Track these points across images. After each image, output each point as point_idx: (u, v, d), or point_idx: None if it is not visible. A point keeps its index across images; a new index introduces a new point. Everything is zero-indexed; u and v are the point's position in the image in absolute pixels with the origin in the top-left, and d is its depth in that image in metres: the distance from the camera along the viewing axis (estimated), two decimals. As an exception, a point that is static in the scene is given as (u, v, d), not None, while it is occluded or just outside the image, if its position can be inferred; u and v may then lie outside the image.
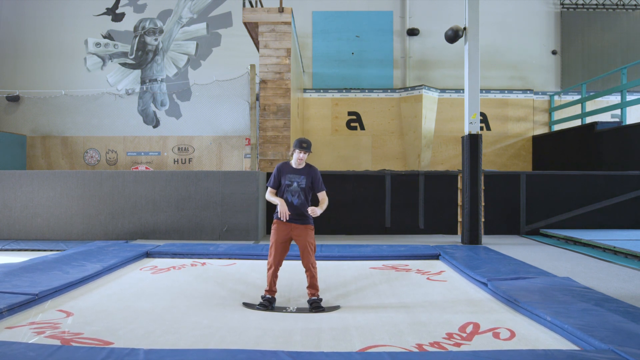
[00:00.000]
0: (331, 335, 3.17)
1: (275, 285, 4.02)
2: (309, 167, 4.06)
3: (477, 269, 4.83)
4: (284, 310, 3.91)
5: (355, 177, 8.57)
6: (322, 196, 4.08)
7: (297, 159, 3.97)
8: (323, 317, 3.67)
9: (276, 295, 4.05)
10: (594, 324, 3.00)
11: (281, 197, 4.01)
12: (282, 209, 3.92)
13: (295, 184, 3.99)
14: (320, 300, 4.01)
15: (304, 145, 3.94)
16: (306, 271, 4.05)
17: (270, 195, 4.07)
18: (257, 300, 4.10)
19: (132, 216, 7.58)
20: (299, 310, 3.93)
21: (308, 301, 4.01)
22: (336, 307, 4.01)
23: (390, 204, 8.47)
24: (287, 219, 3.93)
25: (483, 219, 7.42)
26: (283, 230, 4.01)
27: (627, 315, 3.23)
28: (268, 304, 3.94)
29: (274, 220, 4.06)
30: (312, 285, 4.02)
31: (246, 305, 4.04)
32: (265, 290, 4.01)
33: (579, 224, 8.34)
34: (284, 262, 4.17)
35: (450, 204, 8.39)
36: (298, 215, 4.00)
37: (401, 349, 2.88)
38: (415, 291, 4.45)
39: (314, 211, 3.90)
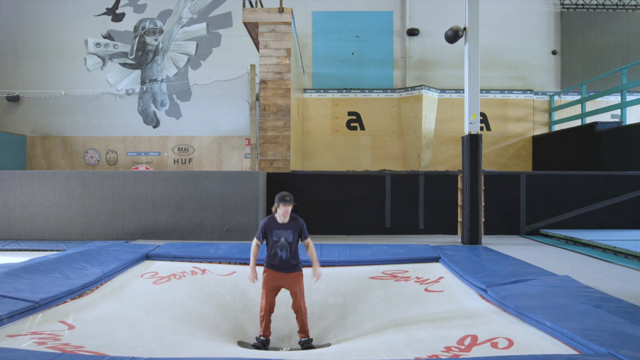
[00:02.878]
0: (331, 357, 3.25)
1: (269, 329, 4.15)
2: (293, 220, 4.14)
3: (477, 273, 4.77)
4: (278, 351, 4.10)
5: (355, 178, 8.57)
6: (308, 242, 4.20)
7: (282, 214, 4.06)
8: (322, 339, 3.84)
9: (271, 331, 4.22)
10: (594, 328, 3.00)
11: (270, 250, 4.13)
12: (250, 274, 4.16)
13: (282, 239, 4.08)
14: (311, 340, 4.18)
15: (287, 198, 4.04)
16: (296, 316, 4.19)
17: (253, 248, 4.19)
18: (256, 320, 4.19)
19: (132, 216, 7.58)
20: (293, 349, 4.14)
21: (299, 342, 4.18)
22: (326, 345, 4.18)
23: (390, 204, 8.47)
24: (253, 282, 4.15)
25: (483, 219, 7.41)
26: (273, 279, 4.14)
27: (626, 316, 3.23)
28: (262, 345, 4.09)
29: (264, 269, 4.18)
30: (303, 330, 4.18)
31: (241, 344, 4.19)
32: (260, 334, 4.15)
33: (579, 224, 8.34)
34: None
35: (450, 204, 8.39)
36: (288, 266, 4.13)
37: None
38: (413, 307, 4.44)
39: (318, 277, 4.12)
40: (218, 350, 3.60)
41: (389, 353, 3.18)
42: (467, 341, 3.27)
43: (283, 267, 4.10)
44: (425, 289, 4.90)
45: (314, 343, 4.20)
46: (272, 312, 4.16)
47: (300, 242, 4.20)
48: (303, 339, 4.15)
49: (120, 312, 4.06)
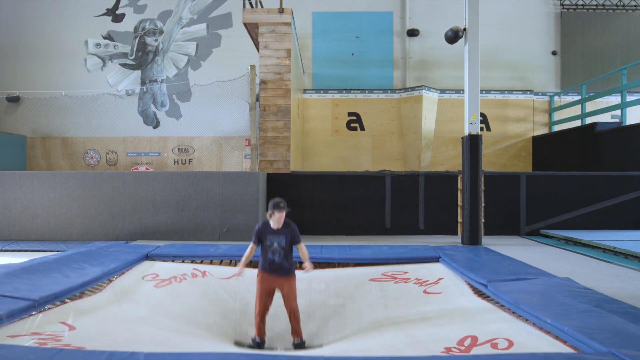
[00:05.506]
0: (332, 352, 3.27)
1: (264, 330, 4.29)
2: (286, 226, 4.26)
3: (477, 271, 4.81)
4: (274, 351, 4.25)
5: (355, 178, 8.57)
6: (301, 247, 4.32)
7: (276, 220, 4.19)
8: (322, 340, 3.83)
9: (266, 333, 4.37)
10: (594, 326, 3.00)
11: (264, 254, 4.27)
12: (237, 269, 4.28)
13: (275, 244, 4.22)
14: (304, 342, 4.31)
15: (281, 205, 4.17)
16: (290, 317, 4.31)
17: (248, 250, 4.34)
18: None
19: (132, 217, 7.58)
20: (287, 349, 4.28)
21: (293, 344, 4.30)
22: (319, 346, 4.31)
23: (390, 204, 8.47)
24: (236, 276, 4.29)
25: (483, 220, 7.41)
26: (267, 282, 4.27)
27: (627, 316, 3.23)
28: (257, 346, 4.24)
29: (258, 272, 4.32)
30: (295, 332, 4.30)
31: (238, 344, 4.31)
32: (255, 335, 4.29)
33: (579, 225, 8.34)
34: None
35: (450, 205, 8.39)
36: (281, 269, 4.25)
37: None
38: (412, 309, 4.47)
39: (308, 269, 4.21)
40: (222, 348, 3.68)
41: (390, 353, 3.18)
42: (467, 342, 3.27)
43: (276, 270, 4.24)
44: (425, 291, 4.92)
45: (308, 344, 4.33)
46: (266, 313, 4.29)
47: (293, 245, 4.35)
48: (296, 341, 4.28)
49: (121, 314, 4.08)
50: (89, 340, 3.29)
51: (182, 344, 3.63)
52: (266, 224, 4.27)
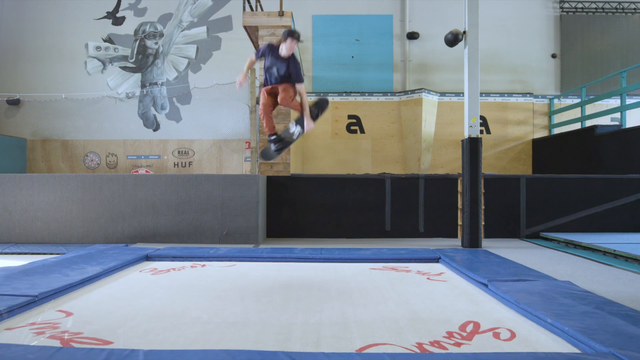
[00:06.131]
0: (331, 332, 3.19)
1: (273, 123, 4.77)
2: (293, 58, 4.54)
3: (477, 271, 4.85)
4: (289, 134, 4.84)
5: (355, 181, 8.57)
6: (300, 89, 4.62)
7: (287, 48, 4.44)
8: (324, 308, 3.71)
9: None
10: (595, 327, 3.00)
11: (264, 75, 4.65)
12: (241, 78, 4.62)
13: (275, 69, 4.55)
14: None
15: (296, 35, 4.45)
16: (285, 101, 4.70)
17: (248, 61, 4.68)
18: (255, 297, 4.20)
19: (132, 220, 7.58)
20: (298, 124, 4.82)
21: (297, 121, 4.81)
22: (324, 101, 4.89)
23: (390, 207, 8.47)
24: (239, 85, 4.68)
25: (483, 223, 7.41)
26: (269, 88, 4.68)
27: (627, 318, 3.23)
28: (276, 141, 4.80)
29: (262, 89, 4.75)
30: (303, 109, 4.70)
31: (263, 155, 5.07)
32: (269, 131, 4.79)
33: (579, 228, 8.34)
34: None
35: (450, 208, 8.39)
36: (279, 81, 4.62)
37: (402, 347, 2.88)
38: (416, 289, 4.52)
39: (309, 125, 4.66)
40: (222, 311, 3.68)
41: (391, 332, 3.17)
42: (469, 328, 3.28)
43: (277, 81, 4.61)
44: (428, 278, 5.03)
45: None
46: (270, 108, 4.68)
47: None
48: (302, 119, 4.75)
49: (117, 296, 4.13)
50: (86, 324, 3.28)
51: (182, 311, 3.64)
52: (276, 48, 4.51)
